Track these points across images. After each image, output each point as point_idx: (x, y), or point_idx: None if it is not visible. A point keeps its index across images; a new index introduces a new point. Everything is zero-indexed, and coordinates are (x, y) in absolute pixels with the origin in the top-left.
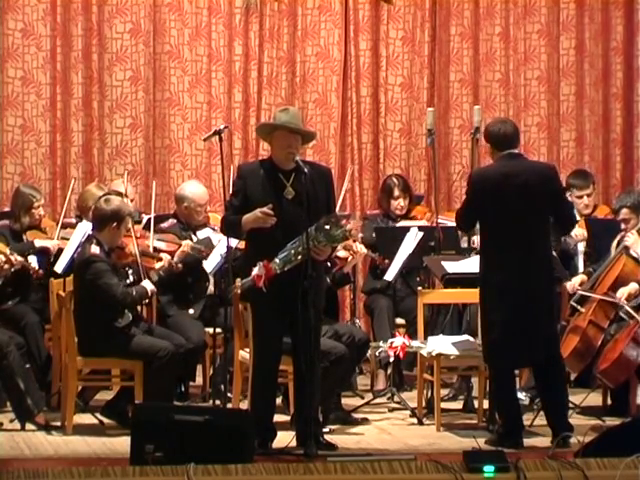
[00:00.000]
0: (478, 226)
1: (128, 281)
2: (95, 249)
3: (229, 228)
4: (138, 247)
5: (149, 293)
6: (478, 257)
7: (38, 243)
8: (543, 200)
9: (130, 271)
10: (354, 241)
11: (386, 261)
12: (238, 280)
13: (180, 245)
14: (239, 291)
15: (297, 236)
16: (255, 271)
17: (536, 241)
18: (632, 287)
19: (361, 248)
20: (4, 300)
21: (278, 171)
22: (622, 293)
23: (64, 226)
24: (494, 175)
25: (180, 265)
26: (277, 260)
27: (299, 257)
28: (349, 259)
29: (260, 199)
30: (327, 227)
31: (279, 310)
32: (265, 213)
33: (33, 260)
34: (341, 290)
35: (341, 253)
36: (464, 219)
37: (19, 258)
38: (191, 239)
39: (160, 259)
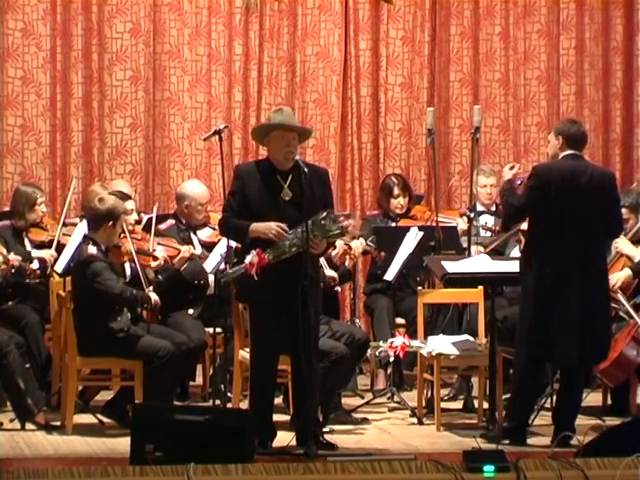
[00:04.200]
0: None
1: (127, 279)
2: (92, 249)
3: (233, 232)
4: (134, 245)
5: (152, 302)
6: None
7: (35, 254)
8: (603, 203)
9: (128, 270)
10: (351, 237)
11: (382, 254)
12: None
13: (179, 250)
14: (231, 278)
15: None
16: (248, 259)
17: (594, 240)
18: (625, 273)
19: (357, 245)
20: (3, 301)
21: (276, 172)
22: (616, 279)
23: (67, 225)
24: (561, 169)
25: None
26: (270, 249)
27: (293, 249)
28: (348, 258)
29: (258, 200)
30: (323, 222)
31: (277, 309)
32: (282, 228)
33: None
34: (341, 290)
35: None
36: (519, 212)
37: (17, 258)
38: (190, 239)
39: (156, 257)
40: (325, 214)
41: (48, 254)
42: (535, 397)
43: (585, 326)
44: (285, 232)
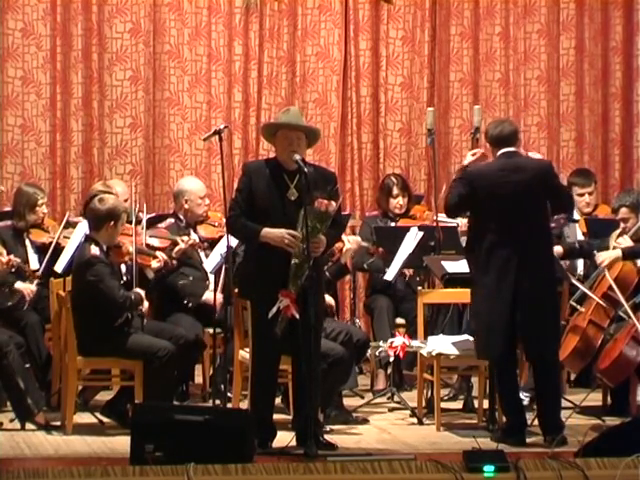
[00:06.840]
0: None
1: (122, 281)
2: (95, 250)
3: (241, 233)
4: (135, 245)
5: (143, 299)
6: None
7: (18, 285)
8: (541, 197)
9: (124, 270)
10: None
11: (380, 249)
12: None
13: (172, 241)
14: (282, 328)
15: None
16: (281, 305)
17: (534, 240)
18: (615, 253)
19: (354, 239)
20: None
21: (283, 171)
22: (603, 257)
23: (70, 225)
24: (491, 173)
25: (175, 262)
26: (290, 283)
27: (305, 265)
28: (343, 249)
29: (264, 198)
30: (308, 217)
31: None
32: (293, 235)
33: (34, 259)
34: (341, 290)
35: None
36: (458, 209)
37: (15, 260)
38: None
39: (156, 257)
40: (309, 210)
41: (28, 289)
42: (515, 396)
43: (527, 327)
44: (299, 238)
